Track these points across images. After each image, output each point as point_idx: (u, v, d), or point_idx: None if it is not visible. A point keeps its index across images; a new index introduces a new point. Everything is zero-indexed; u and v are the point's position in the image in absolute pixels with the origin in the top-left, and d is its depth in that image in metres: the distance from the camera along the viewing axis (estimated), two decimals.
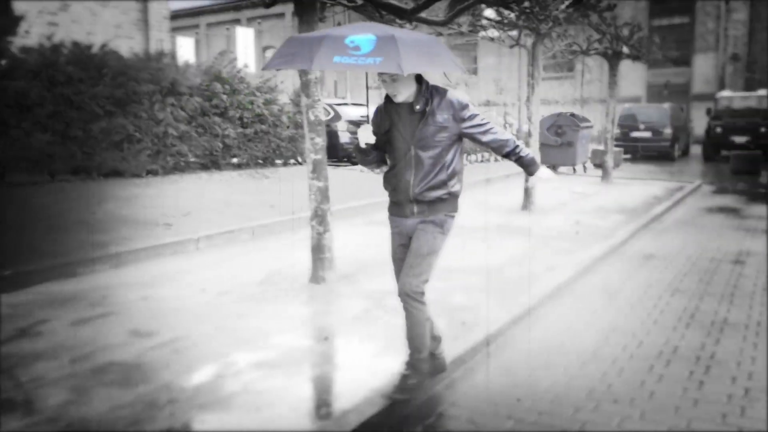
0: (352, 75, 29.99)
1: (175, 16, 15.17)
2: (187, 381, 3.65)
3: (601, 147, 15.94)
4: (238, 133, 11.40)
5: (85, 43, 9.69)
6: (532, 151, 3.06)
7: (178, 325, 4.51)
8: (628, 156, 18.15)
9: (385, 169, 3.47)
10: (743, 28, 29.39)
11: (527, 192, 9.78)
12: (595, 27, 10.67)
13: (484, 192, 11.90)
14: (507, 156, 3.35)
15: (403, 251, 3.39)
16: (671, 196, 11.33)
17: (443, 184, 3.27)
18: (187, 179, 10.35)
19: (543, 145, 14.69)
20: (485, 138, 3.27)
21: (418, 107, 3.19)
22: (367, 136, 3.24)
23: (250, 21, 36.57)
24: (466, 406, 3.50)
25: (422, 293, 3.29)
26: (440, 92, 3.24)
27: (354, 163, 12.19)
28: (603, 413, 3.37)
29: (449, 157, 3.27)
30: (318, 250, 5.56)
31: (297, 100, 11.98)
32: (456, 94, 3.25)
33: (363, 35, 2.83)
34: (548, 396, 3.57)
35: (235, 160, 11.84)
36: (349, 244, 6.75)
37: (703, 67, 30.30)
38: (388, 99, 3.29)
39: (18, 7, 10.46)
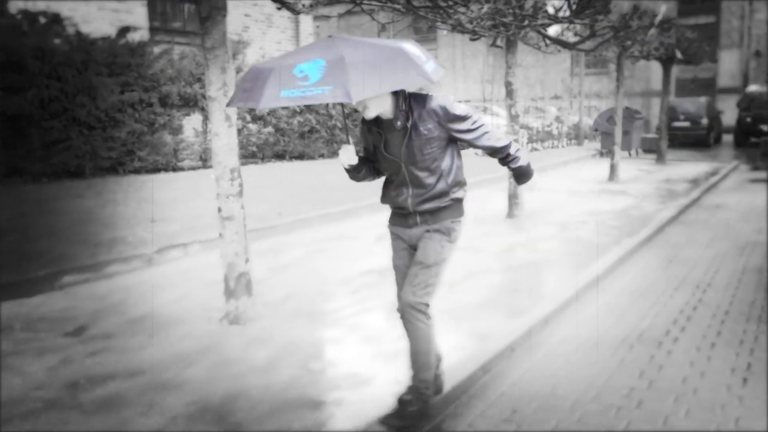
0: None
1: None
2: None
3: (651, 135, 19.08)
4: None
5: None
6: (525, 157, 3.17)
7: None
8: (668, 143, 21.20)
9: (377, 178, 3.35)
10: (765, 27, 32.38)
11: (613, 167, 12.97)
12: (660, 39, 13.65)
13: (566, 170, 15.11)
14: (502, 162, 3.19)
15: (407, 256, 3.22)
16: (718, 171, 14.44)
17: (444, 193, 3.10)
18: None
19: (603, 133, 17.93)
20: (479, 143, 3.08)
21: (398, 123, 2.99)
22: (348, 157, 3.07)
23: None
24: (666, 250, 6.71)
25: (427, 305, 3.09)
26: (420, 101, 3.00)
27: None
28: (721, 276, 6.57)
29: (445, 163, 3.08)
30: (513, 197, 8.80)
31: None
32: (439, 100, 3.01)
33: (312, 61, 2.68)
34: (695, 252, 6.80)
35: None
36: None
37: (728, 63, 33.32)
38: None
39: None
